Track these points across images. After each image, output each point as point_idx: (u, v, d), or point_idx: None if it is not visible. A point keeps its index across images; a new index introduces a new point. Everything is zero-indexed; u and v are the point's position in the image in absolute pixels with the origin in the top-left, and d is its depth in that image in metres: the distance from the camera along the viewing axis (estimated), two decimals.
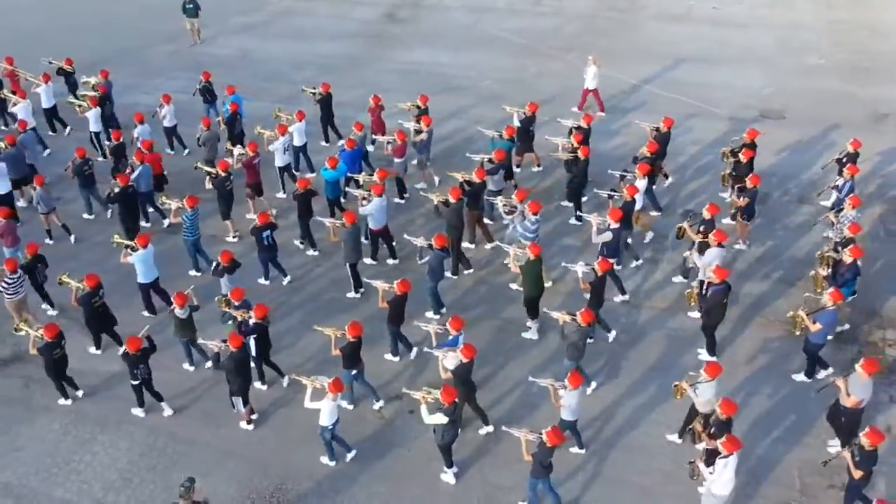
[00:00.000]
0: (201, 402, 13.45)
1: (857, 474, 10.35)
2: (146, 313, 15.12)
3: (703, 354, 13.79)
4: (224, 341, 12.42)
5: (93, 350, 14.39)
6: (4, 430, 13.07)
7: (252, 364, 13.05)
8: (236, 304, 13.23)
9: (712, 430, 10.84)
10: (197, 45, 27.14)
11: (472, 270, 16.09)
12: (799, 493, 11.64)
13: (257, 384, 13.56)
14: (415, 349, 14.17)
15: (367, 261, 16.26)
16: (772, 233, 16.96)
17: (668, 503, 11.64)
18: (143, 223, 17.58)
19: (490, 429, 12.72)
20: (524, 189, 15.98)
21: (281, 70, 24.71)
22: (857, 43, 25.80)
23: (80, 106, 19.81)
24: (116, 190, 16.38)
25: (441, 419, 11.43)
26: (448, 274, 15.58)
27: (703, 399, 11.46)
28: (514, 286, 15.47)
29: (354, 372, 12.84)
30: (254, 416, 13.03)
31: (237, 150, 17.68)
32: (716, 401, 11.15)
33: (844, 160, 16.61)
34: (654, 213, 17.40)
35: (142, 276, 14.81)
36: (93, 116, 19.64)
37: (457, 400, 11.61)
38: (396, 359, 14.11)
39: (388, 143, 18.08)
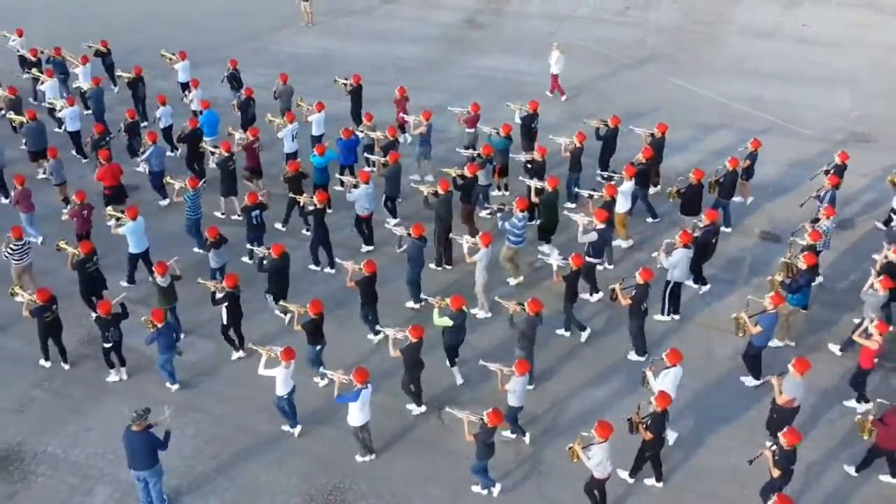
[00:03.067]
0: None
1: (776, 473, 10.63)
2: (124, 283, 15.59)
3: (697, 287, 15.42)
4: (268, 249, 14.21)
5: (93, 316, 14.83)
6: (75, 409, 13.44)
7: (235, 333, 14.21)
8: (228, 289, 13.63)
9: (648, 422, 11.11)
10: (309, 25, 28.82)
11: (451, 267, 16.28)
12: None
13: (234, 354, 14.28)
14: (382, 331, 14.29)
15: (364, 248, 16.90)
16: (857, 262, 16.37)
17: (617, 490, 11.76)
18: (161, 202, 18.48)
19: (423, 409, 13.13)
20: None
21: (359, 70, 24.70)
22: None
23: (170, 59, 21.96)
24: (186, 132, 18.31)
25: (447, 322, 12.81)
26: (432, 265, 16.09)
27: (594, 462, 10.81)
28: (511, 281, 15.85)
29: (319, 348, 13.15)
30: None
31: (238, 133, 18.33)
32: (609, 465, 10.91)
33: (832, 171, 16.44)
34: (649, 220, 17.48)
35: (133, 247, 15.44)
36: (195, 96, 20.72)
37: (464, 308, 12.82)
38: (377, 338, 14.39)
39: (460, 114, 19.03)
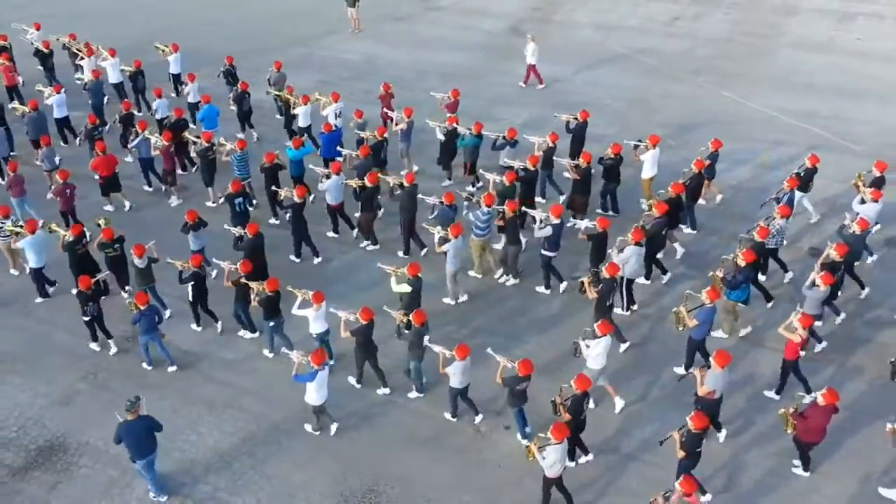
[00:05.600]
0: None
1: (681, 454, 11.16)
2: (38, 299, 15.89)
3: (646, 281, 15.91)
4: (244, 229, 15.18)
5: (74, 291, 15.04)
6: (118, 403, 13.52)
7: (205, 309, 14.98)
8: (193, 268, 14.34)
9: (568, 403, 11.70)
10: (356, 32, 29.10)
11: (426, 249, 16.79)
12: None
13: (192, 325, 15.01)
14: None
15: (329, 234, 17.59)
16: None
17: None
18: (146, 188, 19.18)
19: (387, 391, 13.67)
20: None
21: (403, 76, 25.00)
22: None
23: (163, 50, 22.84)
24: (171, 121, 19.09)
25: (406, 288, 13.87)
26: (399, 253, 16.83)
27: (548, 462, 11.06)
28: (471, 273, 16.34)
29: (272, 324, 14.00)
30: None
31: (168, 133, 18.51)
32: (561, 466, 11.23)
33: (802, 175, 16.82)
34: (610, 213, 17.79)
35: (32, 262, 15.56)
36: (192, 90, 21.42)
37: (419, 274, 13.91)
38: (256, 334, 14.90)
39: (441, 99, 20.29)
